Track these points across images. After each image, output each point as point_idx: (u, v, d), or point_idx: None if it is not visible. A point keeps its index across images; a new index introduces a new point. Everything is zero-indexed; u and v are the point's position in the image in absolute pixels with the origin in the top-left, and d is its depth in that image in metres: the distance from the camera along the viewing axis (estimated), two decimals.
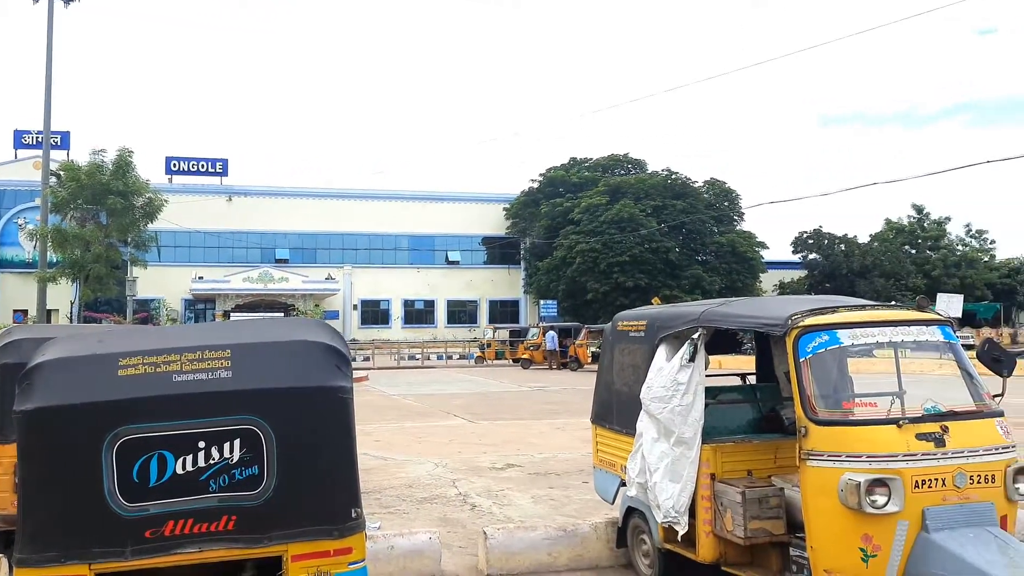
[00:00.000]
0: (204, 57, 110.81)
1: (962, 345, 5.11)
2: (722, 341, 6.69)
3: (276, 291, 52.85)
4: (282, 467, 3.69)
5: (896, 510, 4.17)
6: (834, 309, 4.94)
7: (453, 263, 60.86)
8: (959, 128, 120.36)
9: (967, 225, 65.84)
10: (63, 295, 44.23)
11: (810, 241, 59.26)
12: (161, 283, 51.48)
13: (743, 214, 56.05)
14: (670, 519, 5.28)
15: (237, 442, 3.67)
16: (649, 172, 56.74)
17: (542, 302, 50.75)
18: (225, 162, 56.91)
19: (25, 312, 45.88)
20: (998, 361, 4.76)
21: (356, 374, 29.69)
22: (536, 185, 58.53)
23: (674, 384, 5.38)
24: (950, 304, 36.98)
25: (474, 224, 60.87)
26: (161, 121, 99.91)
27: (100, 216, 38.02)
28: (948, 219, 64.26)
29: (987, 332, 40.88)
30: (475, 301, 61.01)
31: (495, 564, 6.22)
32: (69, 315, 45.09)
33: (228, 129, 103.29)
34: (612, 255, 49.41)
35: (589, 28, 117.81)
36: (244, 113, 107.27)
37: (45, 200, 35.38)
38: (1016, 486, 4.39)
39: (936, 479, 4.24)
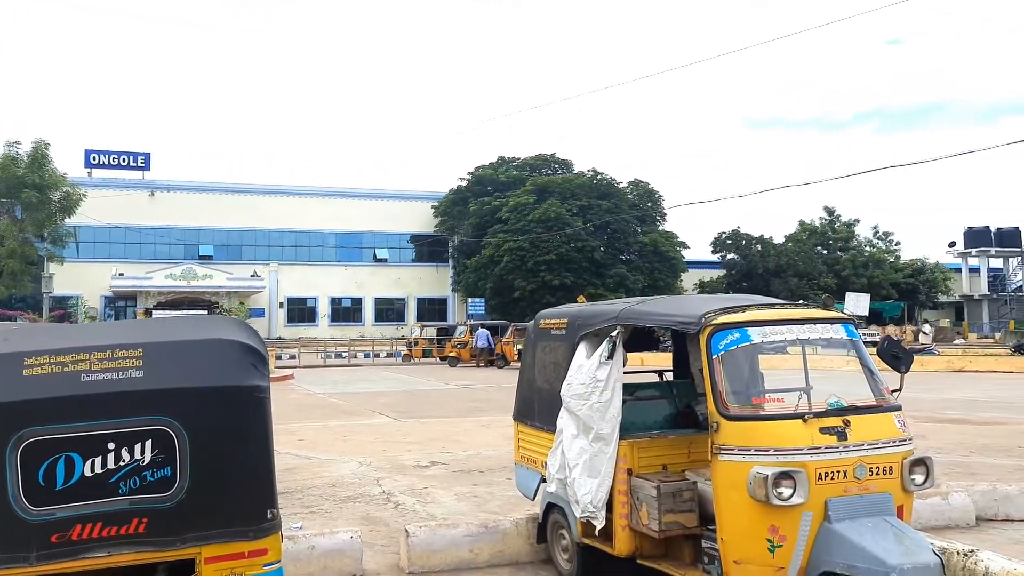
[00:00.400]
0: (125, 48, 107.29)
1: (869, 342, 5.28)
2: (641, 339, 6.80)
3: (200, 288, 51.52)
4: (195, 468, 3.59)
5: (801, 502, 4.28)
6: (745, 308, 5.05)
7: (381, 261, 60.35)
8: (870, 133, 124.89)
9: (875, 227, 68.41)
10: None
11: (729, 241, 60.66)
12: (80, 280, 49.76)
13: (665, 214, 57.13)
14: (588, 514, 5.33)
15: (149, 443, 3.56)
16: (576, 172, 57.29)
17: (470, 300, 50.79)
18: (147, 156, 55.30)
19: None
20: (897, 358, 4.94)
21: (282, 372, 29.49)
22: (465, 183, 58.49)
23: (593, 381, 5.42)
24: (858, 303, 38.33)
25: (402, 222, 60.49)
26: (81, 114, 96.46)
27: (15, 210, 36.49)
28: (857, 221, 66.65)
29: (892, 330, 42.47)
30: (403, 299, 60.65)
31: (416, 562, 6.19)
32: None
33: (151, 123, 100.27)
34: (539, 254, 49.71)
35: (517, 28, 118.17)
36: (167, 107, 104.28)
37: None
38: (912, 477, 4.57)
39: (838, 471, 4.37)
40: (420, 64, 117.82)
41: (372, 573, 6.31)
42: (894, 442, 4.57)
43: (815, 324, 5.01)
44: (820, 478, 4.34)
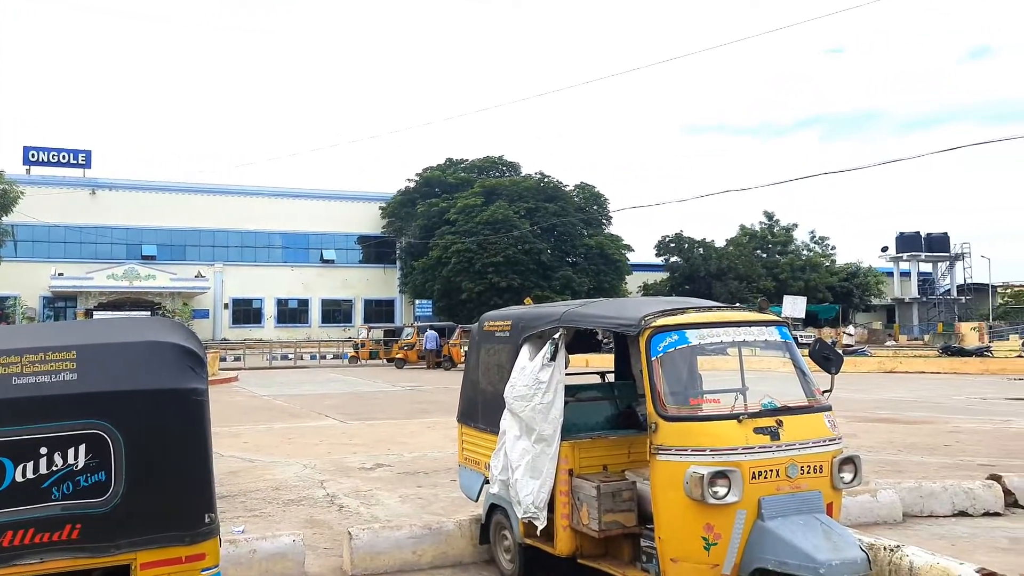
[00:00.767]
0: (66, 44, 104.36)
1: (805, 344, 5.40)
2: (584, 341, 6.85)
3: (142, 289, 50.32)
4: (131, 473, 3.52)
5: (735, 500, 4.36)
6: (684, 310, 5.12)
7: (328, 262, 59.69)
8: (811, 141, 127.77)
9: (812, 232, 69.96)
10: None
11: (672, 245, 61.42)
12: (17, 280, 48.23)
13: (611, 218, 57.57)
14: (530, 514, 5.35)
15: (82, 447, 3.47)
16: (523, 175, 57.42)
17: (417, 302, 50.53)
18: (88, 153, 53.81)
19: None
20: (827, 359, 5.07)
21: (226, 374, 28.95)
22: (412, 185, 58.19)
23: (536, 383, 5.44)
24: (795, 305, 39.08)
25: (350, 223, 59.91)
26: (19, 110, 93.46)
27: None
28: (795, 226, 68.09)
29: (827, 332, 43.46)
30: (350, 300, 60.07)
31: (359, 564, 6.14)
32: None
33: (91, 120, 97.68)
34: (486, 256, 49.71)
35: (465, 30, 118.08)
36: (109, 104, 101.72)
37: None
38: (841, 475, 4.68)
39: (771, 470, 4.46)
40: (368, 65, 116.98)
41: None
42: (824, 441, 4.68)
43: (750, 327, 5.11)
44: (754, 477, 4.42)
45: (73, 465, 3.45)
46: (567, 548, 5.27)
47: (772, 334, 5.15)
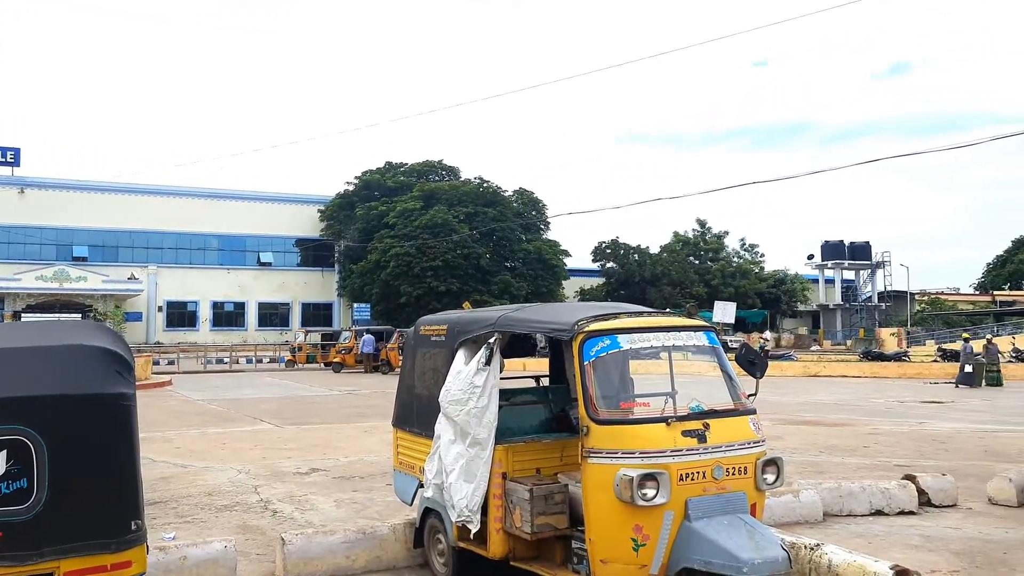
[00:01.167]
0: None
1: (732, 348, 5.51)
2: (519, 345, 6.88)
3: (73, 291, 48.70)
4: (54, 479, 3.41)
5: (664, 502, 4.42)
6: (616, 315, 5.18)
7: (265, 264, 58.66)
8: (741, 150, 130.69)
9: (742, 239, 71.51)
10: None
11: (608, 251, 62.07)
12: None
13: (549, 223, 57.89)
14: (464, 518, 5.34)
15: (3, 454, 3.36)
16: (462, 179, 57.37)
17: (356, 305, 50.02)
18: (17, 151, 51.88)
19: None
20: (752, 364, 5.19)
21: (159, 378, 28.20)
22: (352, 188, 57.64)
23: (471, 387, 5.44)
24: (726, 311, 39.91)
25: (288, 225, 58.98)
26: None
27: None
28: (726, 233, 69.52)
29: (755, 337, 44.43)
30: (288, 303, 59.12)
31: (292, 570, 6.04)
32: None
33: (21, 118, 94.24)
34: (425, 260, 49.51)
35: (406, 33, 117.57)
36: (39, 102, 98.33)
37: None
38: (764, 477, 4.79)
39: (698, 472, 4.54)
40: (308, 67, 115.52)
41: None
42: (749, 444, 4.78)
43: (679, 331, 5.19)
44: (681, 479, 4.49)
45: None
46: (500, 551, 5.27)
47: (700, 339, 5.25)
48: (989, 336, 30.83)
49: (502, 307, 6.47)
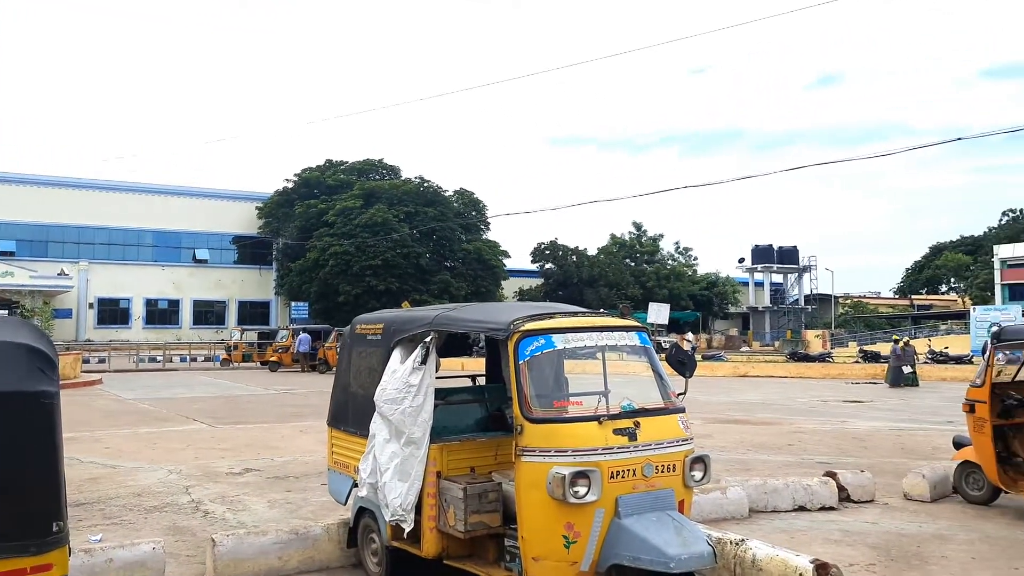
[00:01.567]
0: None
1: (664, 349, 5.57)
2: (456, 344, 6.86)
3: None
4: None
5: (595, 499, 4.44)
6: (551, 315, 5.19)
7: (201, 262, 57.33)
8: (676, 155, 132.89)
9: (677, 243, 72.81)
10: None
11: (547, 252, 62.42)
12: None
13: (489, 223, 57.93)
14: (397, 517, 5.29)
15: None
16: (403, 179, 57.01)
17: (293, 304, 49.24)
18: None
19: None
20: (682, 364, 5.26)
21: (89, 377, 27.29)
22: (291, 185, 56.76)
23: (406, 386, 5.39)
24: (660, 312, 40.52)
25: (225, 222, 57.76)
26: None
27: None
28: (662, 236, 70.69)
29: (689, 338, 45.18)
30: (224, 302, 57.88)
31: (223, 571, 5.89)
32: None
33: None
34: (365, 259, 49.03)
35: (347, 32, 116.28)
36: None
37: None
38: (692, 474, 4.86)
39: (628, 470, 4.58)
40: (248, 62, 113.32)
41: None
42: (677, 442, 4.84)
43: (612, 331, 5.23)
44: (612, 477, 4.52)
45: None
46: (433, 550, 5.24)
47: (632, 339, 5.29)
48: (907, 338, 31.94)
49: (439, 306, 6.44)
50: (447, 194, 56.44)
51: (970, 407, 8.17)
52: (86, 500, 8.65)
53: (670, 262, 70.08)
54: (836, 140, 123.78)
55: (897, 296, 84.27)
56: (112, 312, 54.56)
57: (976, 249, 75.05)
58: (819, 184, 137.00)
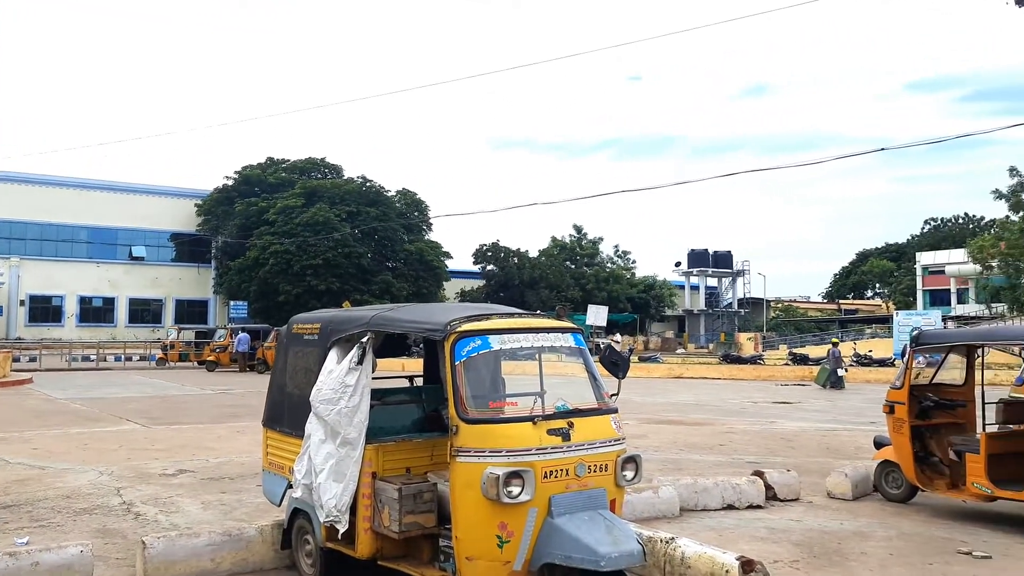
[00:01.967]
0: None
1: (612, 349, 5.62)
2: (394, 345, 6.80)
3: None
4: None
5: (528, 499, 4.45)
6: (487, 316, 5.19)
7: (137, 259, 55.80)
8: (614, 159, 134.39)
9: (616, 246, 73.68)
10: None
11: (489, 253, 62.45)
12: None
13: (431, 224, 57.69)
14: (332, 518, 5.22)
15: None
16: (345, 178, 56.38)
17: (232, 303, 48.32)
18: None
19: None
20: (615, 365, 5.31)
21: (19, 376, 26.32)
22: (231, 183, 55.64)
23: (342, 387, 5.33)
24: (598, 314, 40.93)
25: (162, 219, 56.35)
26: None
27: None
28: (601, 239, 71.40)
29: (626, 339, 45.72)
30: (161, 300, 56.45)
31: (153, 574, 5.73)
32: None
33: None
34: (306, 258, 48.36)
35: (290, 28, 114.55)
36: None
37: None
38: (624, 474, 4.91)
39: (562, 470, 4.60)
40: (189, 58, 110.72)
41: None
42: (610, 442, 4.89)
43: (548, 333, 5.26)
44: (546, 476, 4.54)
45: None
46: (368, 551, 5.19)
47: (568, 340, 5.33)
48: (835, 340, 32.86)
49: (377, 306, 6.38)
50: (389, 194, 56.02)
51: (890, 408, 8.43)
52: (13, 502, 8.35)
53: (609, 265, 70.80)
54: (771, 148, 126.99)
55: (826, 301, 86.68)
56: (44, 310, 52.77)
57: (900, 256, 77.74)
58: (754, 191, 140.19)
